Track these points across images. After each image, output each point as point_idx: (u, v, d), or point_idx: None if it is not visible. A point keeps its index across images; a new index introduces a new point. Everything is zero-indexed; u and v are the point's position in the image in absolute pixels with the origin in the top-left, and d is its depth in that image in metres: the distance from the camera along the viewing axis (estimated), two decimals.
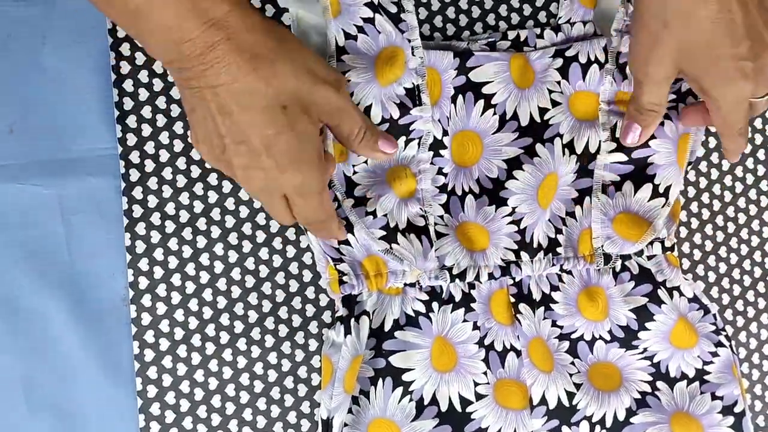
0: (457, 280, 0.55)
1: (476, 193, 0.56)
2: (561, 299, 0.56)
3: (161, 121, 0.54)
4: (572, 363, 0.56)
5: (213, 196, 0.55)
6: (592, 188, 0.57)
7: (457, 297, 0.55)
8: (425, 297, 0.54)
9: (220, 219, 0.55)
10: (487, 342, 0.55)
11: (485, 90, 0.57)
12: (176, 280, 0.54)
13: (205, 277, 0.54)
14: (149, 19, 0.41)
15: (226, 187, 0.55)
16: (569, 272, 0.57)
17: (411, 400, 0.53)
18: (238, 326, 0.55)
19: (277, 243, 0.56)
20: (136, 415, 0.53)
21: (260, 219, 0.55)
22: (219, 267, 0.55)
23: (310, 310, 0.56)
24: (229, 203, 0.55)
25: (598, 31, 0.59)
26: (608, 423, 0.56)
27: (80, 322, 0.53)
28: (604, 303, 0.56)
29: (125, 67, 0.54)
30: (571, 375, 0.56)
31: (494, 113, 0.57)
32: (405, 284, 0.54)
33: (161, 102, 0.54)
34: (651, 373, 0.56)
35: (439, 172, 0.55)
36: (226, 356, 0.54)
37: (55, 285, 0.52)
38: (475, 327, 0.55)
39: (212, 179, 0.55)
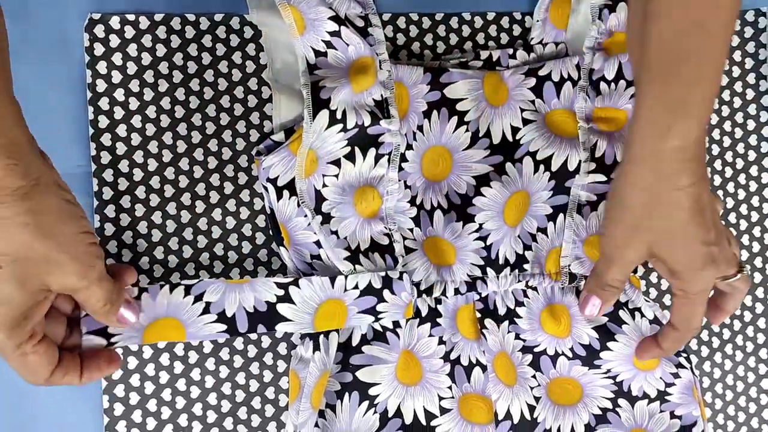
0: (424, 295, 0.56)
1: (444, 208, 0.57)
2: (525, 314, 0.57)
3: (136, 140, 0.54)
4: (533, 376, 0.57)
5: (186, 216, 0.55)
6: (568, 206, 0.57)
7: (424, 312, 0.56)
8: None
9: (192, 239, 0.55)
10: (452, 356, 0.56)
11: (459, 107, 0.57)
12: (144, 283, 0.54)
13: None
14: None
15: (199, 207, 0.55)
16: (534, 288, 0.58)
17: (375, 412, 0.54)
18: (207, 346, 0.55)
19: (249, 264, 0.56)
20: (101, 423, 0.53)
21: (232, 239, 0.56)
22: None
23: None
24: (202, 223, 0.55)
25: (570, 52, 0.59)
26: None
27: None
28: (567, 321, 0.57)
29: (101, 85, 0.54)
30: (531, 388, 0.57)
31: (467, 130, 0.57)
32: None
33: (136, 121, 0.54)
34: (613, 390, 0.58)
35: (405, 186, 0.56)
36: (195, 375, 0.55)
37: None
38: (441, 341, 0.56)
39: (185, 199, 0.55)
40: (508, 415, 0.56)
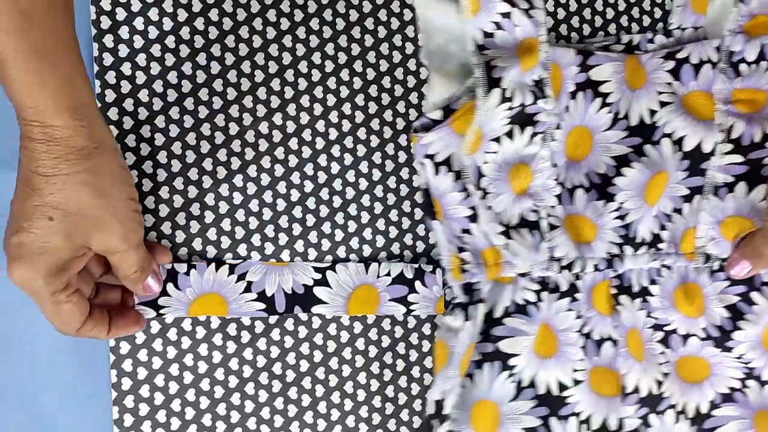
0: (564, 271, 0.57)
1: (586, 187, 0.58)
2: (658, 292, 0.59)
3: (143, 114, 0.54)
4: (662, 353, 0.59)
5: (192, 191, 0.55)
6: (703, 188, 0.59)
7: (563, 287, 0.58)
8: (536, 287, 0.57)
9: (200, 214, 0.55)
10: (585, 330, 0.58)
11: (602, 89, 0.58)
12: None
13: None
14: (8, 89, 0.42)
15: (207, 182, 0.56)
16: (668, 267, 0.59)
17: (512, 382, 0.56)
18: (230, 347, 0.56)
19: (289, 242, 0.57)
20: (109, 407, 0.53)
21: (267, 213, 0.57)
22: None
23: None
24: (237, 198, 0.56)
25: (709, 36, 0.60)
26: (690, 413, 0.59)
27: None
28: (700, 301, 0.59)
29: (105, 22, 0.53)
30: (660, 364, 0.59)
31: (609, 111, 0.58)
32: (517, 274, 0.56)
33: (143, 95, 0.54)
34: (745, 373, 0.59)
35: (552, 164, 0.57)
36: (201, 350, 0.55)
37: None
38: (578, 316, 0.58)
39: (192, 174, 0.55)
40: (636, 389, 0.58)
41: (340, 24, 0.57)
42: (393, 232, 0.58)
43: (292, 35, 0.56)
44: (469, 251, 0.56)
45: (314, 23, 0.57)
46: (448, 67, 0.56)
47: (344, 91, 0.57)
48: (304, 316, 0.55)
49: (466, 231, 0.55)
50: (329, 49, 0.57)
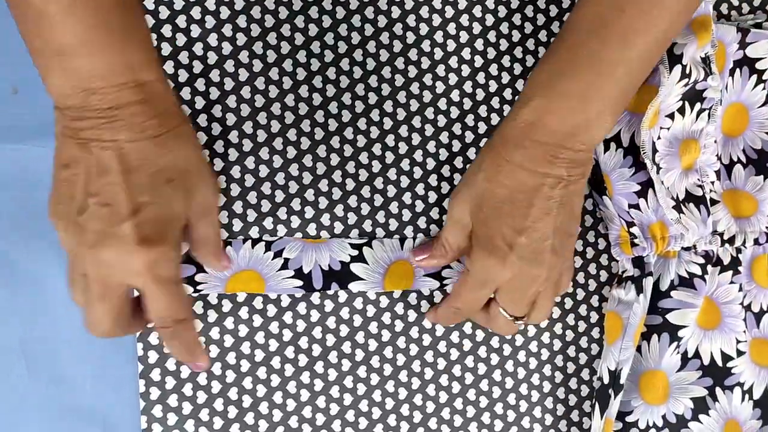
0: (726, 245, 0.59)
1: (743, 162, 0.60)
2: None
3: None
4: None
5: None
6: None
7: (726, 260, 0.59)
8: (701, 260, 0.58)
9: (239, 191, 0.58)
10: (745, 303, 0.59)
11: (758, 65, 0.59)
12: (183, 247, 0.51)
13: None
14: (71, 58, 0.38)
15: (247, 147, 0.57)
16: None
17: (678, 353, 0.58)
18: (272, 345, 0.55)
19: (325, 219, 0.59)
20: (136, 380, 0.52)
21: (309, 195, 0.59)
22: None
23: None
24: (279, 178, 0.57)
25: None
26: None
27: None
28: None
29: (181, 39, 0.53)
30: None
31: (764, 88, 0.60)
32: (681, 248, 0.58)
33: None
34: None
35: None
36: (228, 324, 0.55)
37: (56, 249, 0.49)
38: (740, 289, 0.59)
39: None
40: None
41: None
42: (419, 206, 0.57)
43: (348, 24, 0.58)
44: (637, 226, 0.57)
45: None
46: None
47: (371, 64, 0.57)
48: (330, 290, 0.55)
49: (634, 206, 0.57)
50: (328, 39, 0.58)
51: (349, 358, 0.56)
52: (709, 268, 0.58)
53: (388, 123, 0.56)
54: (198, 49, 0.53)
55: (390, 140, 0.56)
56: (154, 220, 0.40)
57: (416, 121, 0.57)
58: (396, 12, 0.57)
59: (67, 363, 0.52)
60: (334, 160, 0.55)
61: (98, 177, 0.40)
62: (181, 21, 0.53)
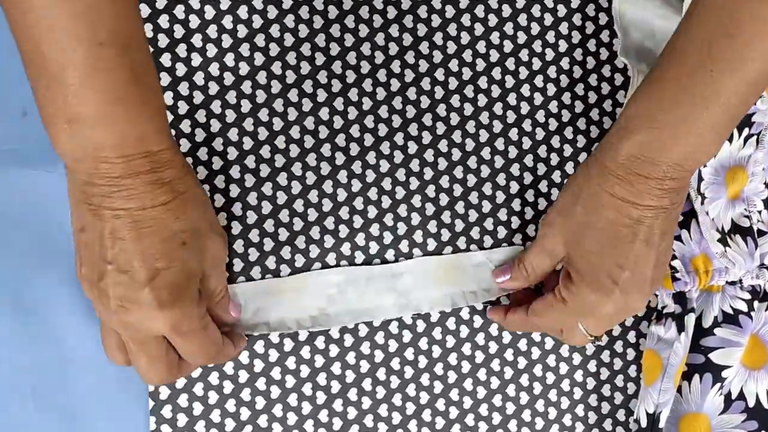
0: None
1: None
2: None
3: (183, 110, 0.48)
4: None
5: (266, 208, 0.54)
6: None
7: None
8: (747, 296, 0.54)
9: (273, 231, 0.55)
10: None
11: None
12: None
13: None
14: (83, 127, 0.38)
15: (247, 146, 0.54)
16: None
17: (721, 394, 0.54)
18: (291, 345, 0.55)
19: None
20: (146, 415, 0.51)
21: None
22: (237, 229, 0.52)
23: None
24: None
25: None
26: None
27: (89, 318, 0.50)
28: None
29: (181, 69, 0.51)
30: None
31: None
32: (726, 282, 0.54)
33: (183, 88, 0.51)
34: None
35: None
36: (243, 359, 0.52)
37: (65, 277, 0.50)
38: None
39: (250, 162, 0.52)
40: None
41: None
42: (459, 225, 0.54)
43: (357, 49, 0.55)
44: (679, 259, 0.54)
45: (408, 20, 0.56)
46: (647, 66, 0.54)
47: (381, 93, 0.55)
48: (350, 324, 0.52)
49: (676, 238, 0.53)
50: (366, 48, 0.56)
51: (382, 349, 0.53)
52: (756, 303, 0.54)
53: (412, 147, 0.54)
54: (198, 78, 0.51)
55: (414, 165, 0.54)
56: (171, 284, 0.41)
57: (443, 147, 0.54)
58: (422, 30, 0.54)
59: (75, 396, 0.50)
60: (341, 195, 0.53)
61: (112, 244, 0.40)
62: (181, 50, 0.51)
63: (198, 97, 0.51)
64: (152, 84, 0.40)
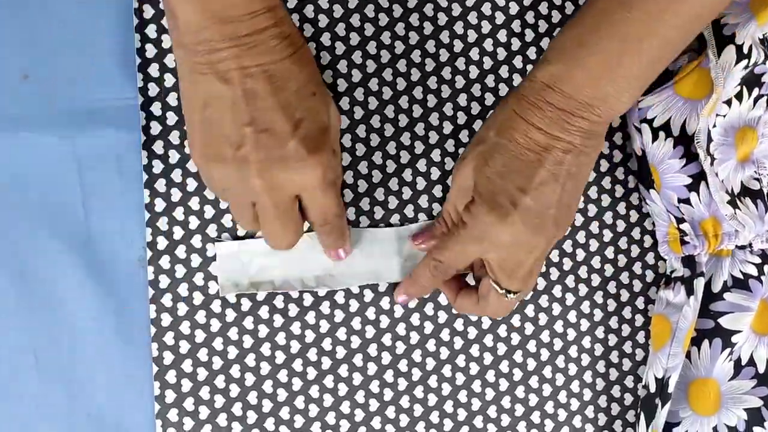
0: None
1: None
2: None
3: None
4: None
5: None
6: None
7: None
8: (757, 260, 0.54)
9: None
10: None
11: None
12: (196, 240, 0.51)
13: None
14: None
15: None
16: None
17: (731, 360, 0.54)
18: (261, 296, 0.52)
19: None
20: (150, 382, 0.50)
21: None
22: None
23: None
24: None
25: None
26: None
27: (94, 284, 0.50)
28: None
29: (148, 11, 0.50)
30: None
31: None
32: (735, 246, 0.53)
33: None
34: None
35: None
36: (247, 324, 0.51)
37: (68, 244, 0.49)
38: None
39: None
40: None
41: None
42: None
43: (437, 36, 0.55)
44: (688, 222, 0.53)
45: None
46: None
47: (386, 56, 0.54)
48: (355, 289, 0.52)
49: (685, 201, 0.53)
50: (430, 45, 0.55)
51: (374, 361, 0.53)
52: (766, 268, 0.54)
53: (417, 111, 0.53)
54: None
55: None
56: (313, 134, 0.42)
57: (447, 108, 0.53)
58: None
59: (80, 366, 0.50)
60: (345, 159, 0.52)
61: (247, 105, 0.41)
62: None
63: None
64: None
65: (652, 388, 0.53)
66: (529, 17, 0.54)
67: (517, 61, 0.54)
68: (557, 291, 0.55)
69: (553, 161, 0.44)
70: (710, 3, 0.44)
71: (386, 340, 0.53)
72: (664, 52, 0.44)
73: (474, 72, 0.54)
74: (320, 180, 0.43)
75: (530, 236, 0.45)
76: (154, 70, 0.50)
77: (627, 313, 0.56)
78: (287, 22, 0.42)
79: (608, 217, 0.55)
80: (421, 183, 0.53)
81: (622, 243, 0.56)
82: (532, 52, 0.55)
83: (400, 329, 0.53)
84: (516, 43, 0.54)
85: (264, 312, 0.51)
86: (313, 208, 0.45)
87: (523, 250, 0.46)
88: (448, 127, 0.53)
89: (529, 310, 0.54)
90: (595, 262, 0.55)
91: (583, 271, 0.55)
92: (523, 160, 0.45)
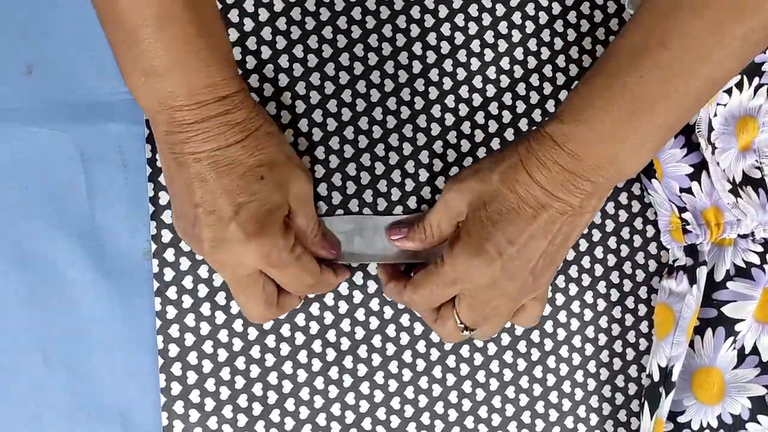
0: None
1: None
2: None
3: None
4: None
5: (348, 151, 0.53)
6: None
7: None
8: (759, 248, 0.54)
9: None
10: None
11: None
12: None
13: None
14: (157, 79, 0.41)
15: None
16: None
17: (734, 348, 0.54)
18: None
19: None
20: (156, 375, 0.51)
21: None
22: None
23: None
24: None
25: None
26: None
27: (99, 277, 0.50)
28: None
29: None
30: None
31: None
32: (738, 235, 0.54)
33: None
34: None
35: None
36: (254, 353, 0.52)
37: (73, 237, 0.50)
38: None
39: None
40: None
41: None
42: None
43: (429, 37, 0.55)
44: (689, 211, 0.53)
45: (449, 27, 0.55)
46: None
47: (387, 49, 0.55)
48: (359, 280, 0.53)
49: (686, 190, 0.53)
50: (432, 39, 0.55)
51: (379, 353, 0.53)
52: None
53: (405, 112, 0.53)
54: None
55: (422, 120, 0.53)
56: (255, 216, 0.43)
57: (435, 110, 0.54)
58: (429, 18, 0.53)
59: (86, 358, 0.50)
60: (348, 151, 0.53)
61: (198, 187, 0.43)
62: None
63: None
64: (220, 35, 0.43)
65: (656, 377, 0.53)
66: (516, 18, 0.55)
67: (504, 63, 0.54)
68: (560, 281, 0.55)
69: (547, 219, 0.45)
70: (727, 68, 0.43)
71: (376, 341, 0.53)
72: (684, 111, 0.43)
73: (461, 74, 0.54)
74: (264, 261, 0.44)
75: (505, 281, 0.46)
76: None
77: (630, 302, 0.56)
78: (244, 107, 0.43)
79: (610, 207, 0.56)
80: (409, 184, 0.53)
81: (624, 233, 0.56)
82: (519, 53, 0.55)
83: (390, 331, 0.53)
84: (503, 45, 0.54)
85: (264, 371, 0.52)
86: (280, 281, 0.47)
87: (494, 291, 0.46)
88: (436, 129, 0.54)
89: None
90: (598, 252, 0.55)
91: (585, 262, 0.55)
92: (519, 213, 0.45)
